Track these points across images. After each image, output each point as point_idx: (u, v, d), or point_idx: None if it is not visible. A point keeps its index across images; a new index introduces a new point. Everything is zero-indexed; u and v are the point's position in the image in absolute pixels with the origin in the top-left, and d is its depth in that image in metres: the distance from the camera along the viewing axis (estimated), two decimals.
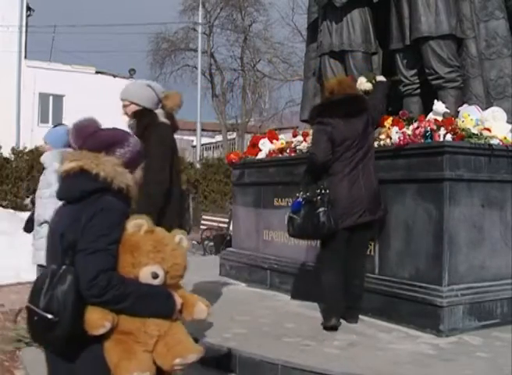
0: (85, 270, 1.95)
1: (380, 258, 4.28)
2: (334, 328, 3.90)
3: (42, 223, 4.71)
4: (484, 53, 4.75)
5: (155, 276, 2.05)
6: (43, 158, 4.96)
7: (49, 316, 1.91)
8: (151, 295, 2.05)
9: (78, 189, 2.08)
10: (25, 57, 24.85)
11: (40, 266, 4.76)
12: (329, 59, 5.38)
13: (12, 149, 17.79)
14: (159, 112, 3.64)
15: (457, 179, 3.88)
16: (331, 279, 3.95)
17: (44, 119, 25.11)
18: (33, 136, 23.30)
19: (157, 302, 2.06)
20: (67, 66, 25.82)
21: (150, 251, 2.07)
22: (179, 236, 2.17)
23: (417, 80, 4.92)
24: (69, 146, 5.00)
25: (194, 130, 24.58)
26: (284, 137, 6.01)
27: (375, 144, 4.26)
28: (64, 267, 1.95)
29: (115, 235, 2.02)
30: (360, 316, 4.12)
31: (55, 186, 4.91)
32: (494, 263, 4.05)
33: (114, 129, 2.25)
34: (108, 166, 2.08)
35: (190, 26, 28.15)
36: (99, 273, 1.94)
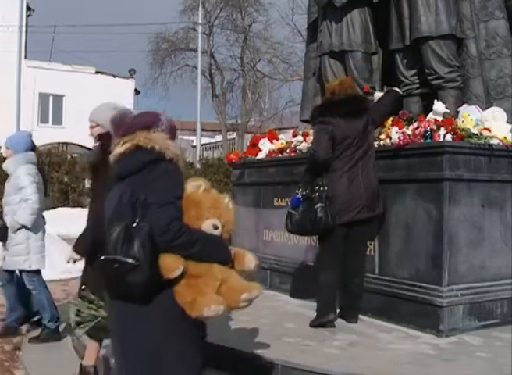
0: (159, 219, 2.21)
1: (380, 258, 4.27)
2: (332, 322, 3.91)
3: (18, 229, 4.65)
4: (484, 53, 4.75)
5: (216, 227, 2.36)
6: (5, 166, 4.86)
7: (130, 261, 2.14)
8: (213, 243, 2.33)
9: (137, 161, 2.35)
10: (25, 57, 24.85)
11: (21, 271, 4.72)
12: (329, 59, 5.38)
13: None
14: None
15: (457, 179, 3.88)
16: (329, 276, 3.97)
17: (44, 119, 25.12)
18: (33, 136, 23.35)
19: (218, 249, 2.35)
20: (67, 66, 25.83)
21: (210, 207, 2.39)
22: (227, 198, 2.50)
23: (417, 80, 4.91)
24: (32, 150, 4.99)
25: (194, 130, 24.58)
26: (284, 137, 6.00)
27: (375, 144, 4.27)
28: (137, 221, 2.21)
29: (179, 191, 2.32)
30: (360, 316, 4.12)
31: (29, 188, 4.88)
32: (494, 263, 4.05)
33: (146, 113, 2.53)
34: (160, 140, 2.37)
35: (190, 26, 28.15)
36: (171, 221, 2.21)
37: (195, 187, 2.43)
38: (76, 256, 3.41)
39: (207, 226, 2.34)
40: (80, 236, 3.41)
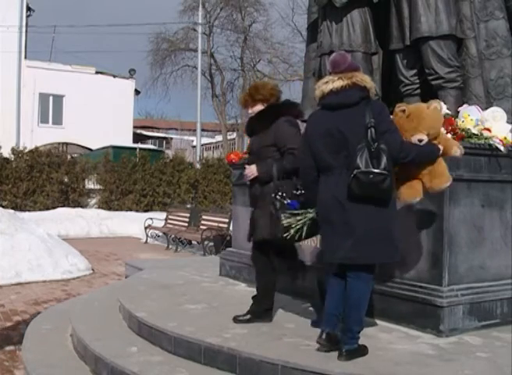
0: (395, 141, 3.09)
1: None
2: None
3: None
4: (484, 53, 4.75)
5: (420, 140, 3.22)
6: None
7: (385, 172, 2.96)
8: (422, 152, 3.23)
9: (357, 96, 3.13)
10: (25, 57, 24.88)
11: None
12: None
13: (12, 149, 17.82)
14: None
15: (457, 179, 3.87)
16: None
17: (44, 119, 25.15)
18: (33, 136, 23.34)
19: (425, 155, 3.25)
20: (67, 66, 25.86)
21: (413, 127, 3.24)
22: (434, 104, 3.35)
23: (417, 80, 4.92)
24: None
25: (194, 130, 24.64)
26: None
27: None
28: (376, 144, 2.99)
29: None
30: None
31: None
32: (494, 263, 4.05)
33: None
34: (369, 81, 3.20)
35: (190, 27, 28.21)
36: (402, 142, 3.14)
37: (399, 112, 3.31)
38: None
39: (413, 141, 3.22)
40: None
